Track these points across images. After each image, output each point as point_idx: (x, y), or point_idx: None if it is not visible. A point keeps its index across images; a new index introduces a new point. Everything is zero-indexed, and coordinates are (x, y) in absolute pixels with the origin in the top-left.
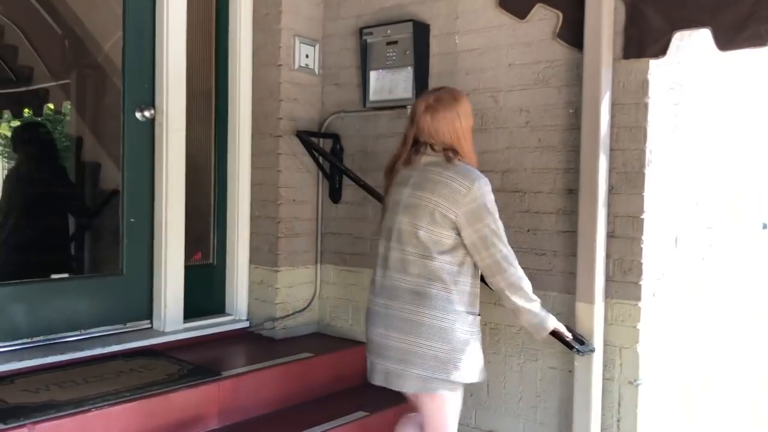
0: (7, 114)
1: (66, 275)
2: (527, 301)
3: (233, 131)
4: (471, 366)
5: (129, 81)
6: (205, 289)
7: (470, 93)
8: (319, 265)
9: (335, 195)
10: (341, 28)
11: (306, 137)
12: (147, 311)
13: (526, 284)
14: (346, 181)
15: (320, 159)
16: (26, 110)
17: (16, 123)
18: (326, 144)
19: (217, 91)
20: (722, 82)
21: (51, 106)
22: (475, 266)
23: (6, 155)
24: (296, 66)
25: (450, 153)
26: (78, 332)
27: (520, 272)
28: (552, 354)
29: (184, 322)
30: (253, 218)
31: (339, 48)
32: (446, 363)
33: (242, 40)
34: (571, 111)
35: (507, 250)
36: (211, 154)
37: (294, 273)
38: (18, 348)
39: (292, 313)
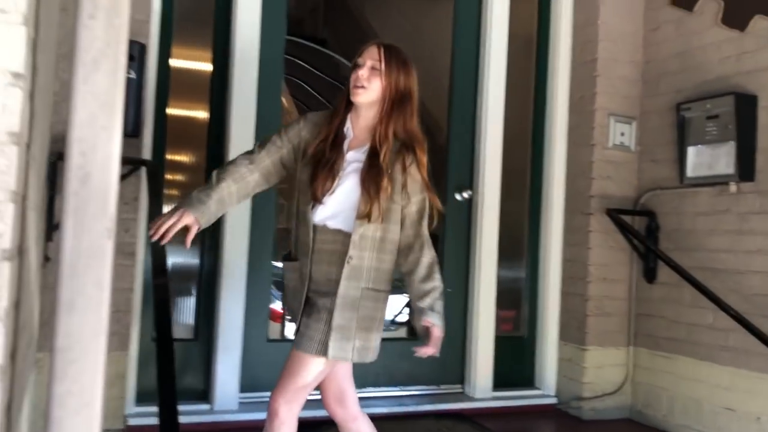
0: None
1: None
2: None
3: (546, 208)
4: None
5: (452, 164)
6: (514, 361)
7: None
8: (631, 347)
9: (650, 274)
10: (659, 104)
11: (616, 215)
12: (459, 376)
13: None
14: None
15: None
16: None
17: None
18: (641, 221)
19: (532, 169)
20: None
21: None
22: None
23: None
24: (610, 144)
25: None
26: (398, 388)
27: None
28: None
29: (493, 391)
30: (563, 294)
31: (656, 124)
32: None
33: (557, 121)
34: None
35: None
36: (523, 229)
37: (603, 353)
38: None
39: (601, 395)
